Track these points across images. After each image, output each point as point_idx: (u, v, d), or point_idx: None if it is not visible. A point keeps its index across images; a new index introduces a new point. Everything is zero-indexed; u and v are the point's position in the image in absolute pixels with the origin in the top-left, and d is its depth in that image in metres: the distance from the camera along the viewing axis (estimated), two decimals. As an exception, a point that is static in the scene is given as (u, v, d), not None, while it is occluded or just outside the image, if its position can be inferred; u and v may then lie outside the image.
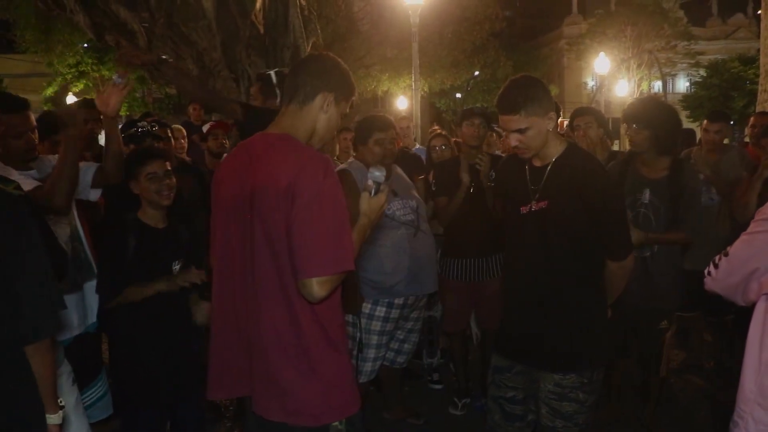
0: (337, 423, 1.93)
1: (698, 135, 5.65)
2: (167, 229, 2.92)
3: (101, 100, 2.90)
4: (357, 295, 3.43)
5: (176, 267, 2.87)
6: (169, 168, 2.90)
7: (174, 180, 2.90)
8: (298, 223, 1.78)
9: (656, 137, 3.30)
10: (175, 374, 2.87)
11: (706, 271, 1.95)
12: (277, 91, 3.27)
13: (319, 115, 2.00)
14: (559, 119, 5.97)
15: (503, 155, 4.20)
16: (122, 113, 18.49)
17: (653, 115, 3.33)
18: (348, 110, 2.10)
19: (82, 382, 2.94)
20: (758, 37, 9.11)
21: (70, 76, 19.51)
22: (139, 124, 3.81)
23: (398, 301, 3.49)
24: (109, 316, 2.88)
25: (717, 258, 1.90)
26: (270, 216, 1.83)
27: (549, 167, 2.40)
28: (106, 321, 2.94)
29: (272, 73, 3.35)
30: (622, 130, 3.58)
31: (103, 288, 2.83)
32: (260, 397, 1.95)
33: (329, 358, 1.91)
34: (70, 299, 2.82)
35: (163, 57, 2.86)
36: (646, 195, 3.33)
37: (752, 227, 1.81)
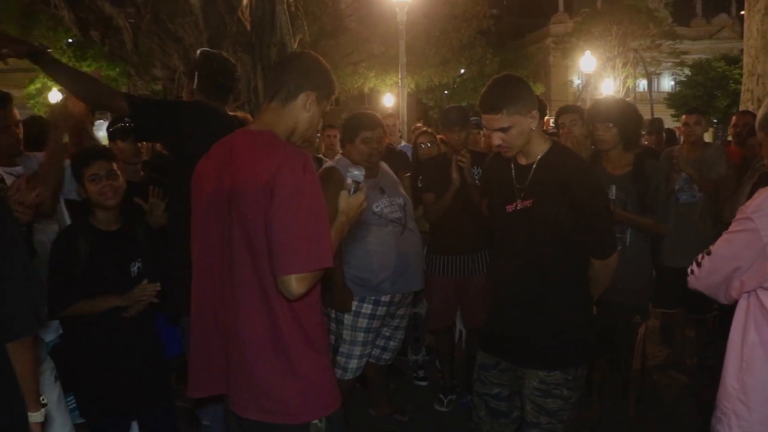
0: (317, 421, 1.92)
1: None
2: (121, 231, 2.80)
3: (72, 100, 2.84)
4: (347, 293, 3.43)
5: (134, 268, 2.77)
6: (115, 168, 2.76)
7: (120, 181, 2.77)
8: (277, 219, 1.77)
9: (623, 133, 3.40)
10: (139, 381, 2.78)
11: (689, 270, 1.96)
12: (195, 73, 2.97)
13: (301, 113, 2.01)
14: (545, 117, 6.01)
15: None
16: (107, 109, 18.26)
17: (619, 112, 3.43)
18: (328, 108, 2.10)
19: (71, 384, 2.89)
20: (741, 37, 9.20)
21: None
22: (126, 118, 3.75)
23: (385, 298, 3.49)
24: (68, 323, 2.76)
25: (700, 257, 1.92)
26: (249, 212, 1.83)
27: (534, 165, 2.41)
28: (64, 328, 2.81)
29: (199, 52, 3.08)
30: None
31: (51, 297, 2.58)
32: (237, 395, 1.94)
33: (307, 356, 1.90)
34: None
35: (39, 45, 2.54)
36: (613, 191, 3.38)
37: (734, 226, 1.83)
